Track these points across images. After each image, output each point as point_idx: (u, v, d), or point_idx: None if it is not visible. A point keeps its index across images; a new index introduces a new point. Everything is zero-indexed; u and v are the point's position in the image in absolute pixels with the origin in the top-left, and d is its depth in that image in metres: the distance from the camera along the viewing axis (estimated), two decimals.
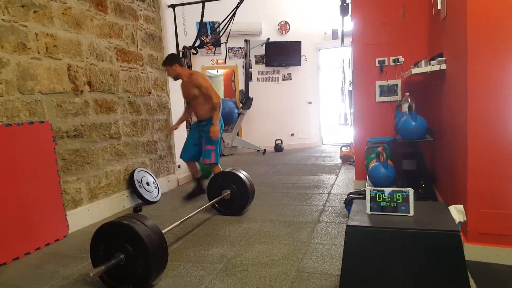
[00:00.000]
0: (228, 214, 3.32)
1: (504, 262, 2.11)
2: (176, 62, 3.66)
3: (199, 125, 3.85)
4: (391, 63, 3.76)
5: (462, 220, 1.84)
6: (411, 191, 1.61)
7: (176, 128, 4.06)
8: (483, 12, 2.06)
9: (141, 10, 4.22)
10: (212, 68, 8.05)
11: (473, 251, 2.16)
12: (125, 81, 3.90)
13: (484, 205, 2.14)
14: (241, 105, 7.54)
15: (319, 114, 8.08)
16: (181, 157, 3.97)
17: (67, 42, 3.15)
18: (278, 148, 7.66)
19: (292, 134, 8.03)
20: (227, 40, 6.59)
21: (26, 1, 2.78)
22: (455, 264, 1.41)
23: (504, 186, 2.09)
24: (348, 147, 5.77)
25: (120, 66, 3.83)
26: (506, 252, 2.11)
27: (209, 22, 7.37)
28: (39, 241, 2.75)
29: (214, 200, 3.24)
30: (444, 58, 2.79)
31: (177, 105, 4.91)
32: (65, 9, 3.14)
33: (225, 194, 3.28)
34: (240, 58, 7.73)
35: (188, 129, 4.05)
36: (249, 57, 7.52)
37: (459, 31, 2.30)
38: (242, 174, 3.34)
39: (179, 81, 4.94)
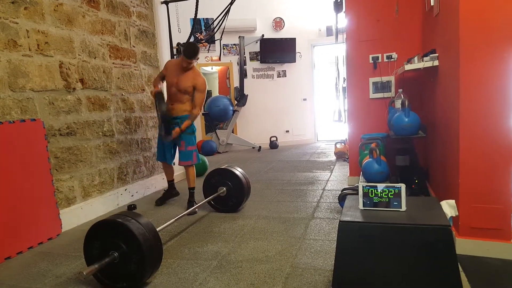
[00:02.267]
0: (224, 211, 3.32)
1: (495, 255, 2.13)
2: (198, 51, 3.35)
3: (171, 122, 3.48)
4: (385, 60, 3.78)
5: (454, 215, 1.86)
6: (403, 186, 1.62)
7: (158, 87, 3.59)
8: (475, 9, 2.07)
9: (134, 7, 4.19)
10: (206, 65, 8.02)
11: (465, 245, 2.18)
12: (118, 78, 3.88)
13: (476, 200, 2.16)
14: (236, 102, 7.53)
15: (314, 111, 8.10)
16: (160, 159, 3.69)
17: (59, 39, 3.12)
18: (273, 145, 7.67)
19: (287, 131, 8.05)
20: (221, 37, 6.57)
21: None
22: (446, 258, 1.42)
23: (495, 181, 2.11)
24: (343, 144, 5.79)
25: (113, 63, 3.81)
26: (497, 246, 2.13)
27: (203, 18, 7.34)
28: (32, 240, 2.74)
29: (209, 198, 3.23)
30: (436, 55, 2.80)
31: None
32: (57, 6, 3.11)
33: (221, 191, 3.28)
34: (234, 55, 7.72)
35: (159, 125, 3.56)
36: (244, 54, 7.51)
37: (452, 27, 2.31)
38: (238, 171, 3.33)
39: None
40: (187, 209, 3.20)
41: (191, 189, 3.60)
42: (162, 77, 3.62)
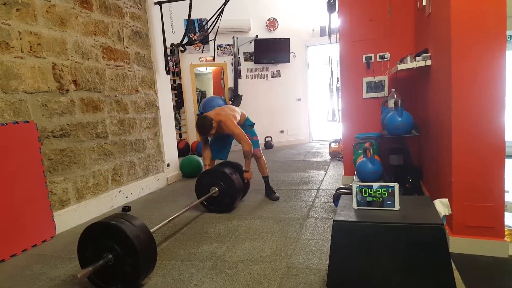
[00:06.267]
0: (218, 211, 3.32)
1: (489, 253, 2.15)
2: (210, 127, 3.38)
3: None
4: (378, 60, 3.80)
5: (447, 213, 1.87)
6: (396, 186, 1.63)
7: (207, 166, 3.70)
8: (466, 8, 2.09)
9: (127, 8, 4.17)
10: (200, 65, 8.01)
11: (458, 244, 2.20)
12: (112, 79, 3.86)
13: (469, 198, 2.18)
14: (230, 102, 7.52)
15: (308, 111, 8.12)
16: (216, 157, 3.84)
17: (52, 40, 3.10)
18: (268, 145, 7.67)
19: (282, 131, 8.05)
20: (215, 37, 6.56)
21: None
22: (439, 256, 1.44)
23: (488, 179, 2.13)
24: (337, 143, 5.81)
25: (106, 64, 3.79)
26: (490, 244, 2.15)
27: (197, 19, 7.33)
28: (26, 243, 2.71)
29: (202, 198, 3.23)
30: (429, 54, 2.83)
31: (165, 103, 4.89)
32: (49, 7, 3.09)
33: (213, 191, 3.27)
34: (228, 55, 7.71)
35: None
36: (238, 54, 7.50)
37: (443, 27, 2.33)
38: (229, 171, 3.34)
39: (165, 81, 4.92)
40: (266, 195, 3.81)
41: (265, 178, 3.84)
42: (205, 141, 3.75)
